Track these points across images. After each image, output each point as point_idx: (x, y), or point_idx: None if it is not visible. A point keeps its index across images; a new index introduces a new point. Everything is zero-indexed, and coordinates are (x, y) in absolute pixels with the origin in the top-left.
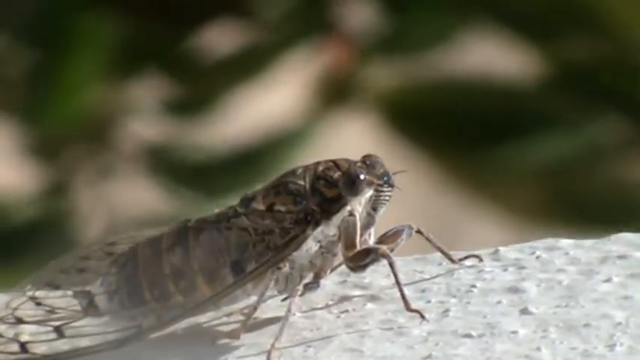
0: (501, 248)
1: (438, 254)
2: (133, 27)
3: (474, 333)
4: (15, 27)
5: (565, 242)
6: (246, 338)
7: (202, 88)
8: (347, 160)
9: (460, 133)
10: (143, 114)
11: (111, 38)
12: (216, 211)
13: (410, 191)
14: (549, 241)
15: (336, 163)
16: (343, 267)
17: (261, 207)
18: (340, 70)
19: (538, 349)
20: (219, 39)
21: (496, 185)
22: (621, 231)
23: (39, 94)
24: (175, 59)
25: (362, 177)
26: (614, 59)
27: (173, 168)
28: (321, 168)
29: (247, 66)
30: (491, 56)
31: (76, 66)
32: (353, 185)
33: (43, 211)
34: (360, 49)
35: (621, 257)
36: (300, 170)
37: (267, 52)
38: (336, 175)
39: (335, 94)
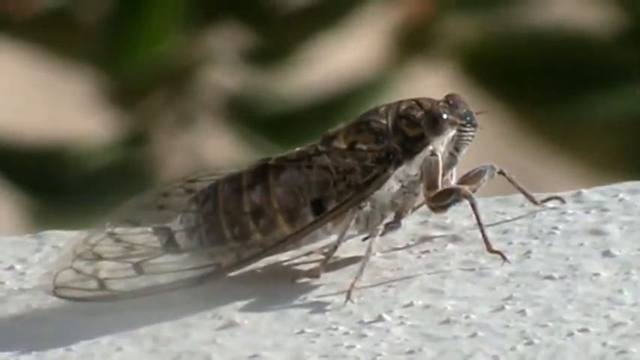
0: (584, 190)
1: (520, 196)
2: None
3: (555, 275)
4: None
5: None
6: (325, 277)
7: (280, 37)
8: (430, 100)
9: (537, 86)
10: (222, 63)
11: None
12: (297, 149)
13: (488, 142)
14: (632, 184)
15: (418, 102)
16: (424, 207)
17: (343, 145)
18: (418, 20)
19: (620, 291)
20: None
21: (572, 137)
22: None
23: (117, 42)
24: (254, 8)
25: (445, 116)
26: None
27: (252, 117)
28: (403, 107)
29: (325, 16)
30: (570, 9)
31: (154, 14)
32: (436, 124)
33: (122, 158)
34: None
35: None
36: (382, 109)
37: (345, 1)
38: (419, 114)
39: (412, 44)
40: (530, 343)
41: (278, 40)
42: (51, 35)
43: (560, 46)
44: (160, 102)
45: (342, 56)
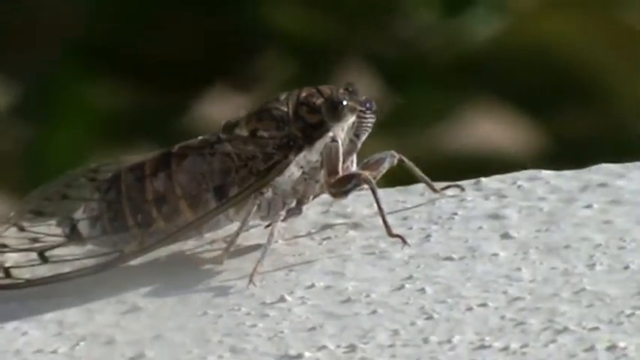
0: (483, 179)
1: (420, 185)
2: (128, 96)
3: (454, 256)
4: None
5: (546, 173)
6: (228, 264)
7: None
8: (330, 87)
9: None
10: None
11: (104, 111)
12: (199, 138)
13: None
14: (531, 172)
15: (318, 90)
16: (326, 197)
17: (244, 133)
18: None
19: (518, 269)
20: (220, 108)
21: None
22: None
23: (33, 169)
24: (173, 133)
25: (344, 102)
26: (609, 130)
27: None
28: (304, 94)
29: None
30: (488, 131)
31: (68, 140)
32: (335, 111)
33: None
34: None
35: (601, 185)
36: (283, 96)
37: None
38: (319, 101)
39: None
40: (429, 318)
41: None
42: None
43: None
44: None
45: None
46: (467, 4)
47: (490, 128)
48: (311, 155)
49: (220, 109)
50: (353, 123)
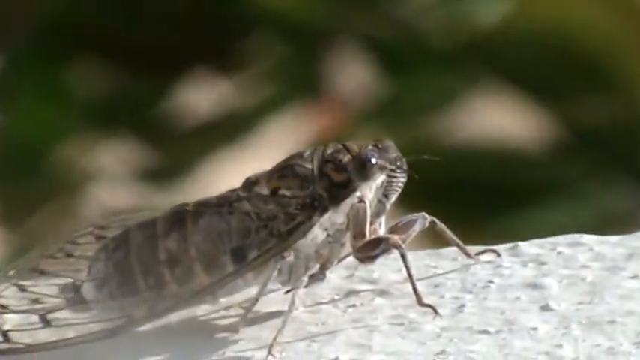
0: (520, 243)
1: (453, 249)
2: (107, 79)
3: (491, 329)
4: None
5: (588, 238)
6: (245, 332)
7: (179, 152)
8: (358, 143)
9: (463, 203)
10: (114, 180)
11: (80, 94)
12: (217, 195)
13: None
14: (572, 237)
15: (346, 146)
16: (350, 260)
17: (265, 191)
18: (331, 136)
19: (559, 345)
20: (202, 94)
21: None
22: None
23: (3, 155)
24: (151, 120)
25: (373, 161)
26: (627, 120)
27: None
28: (330, 151)
29: (228, 129)
30: (496, 119)
31: (41, 124)
32: (363, 169)
33: None
34: (353, 113)
35: None
36: (307, 153)
37: (251, 115)
38: (346, 158)
39: None
40: None
41: (177, 156)
42: None
43: (487, 161)
44: (48, 219)
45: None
46: None
47: (497, 116)
48: (336, 217)
49: (203, 95)
50: (382, 182)
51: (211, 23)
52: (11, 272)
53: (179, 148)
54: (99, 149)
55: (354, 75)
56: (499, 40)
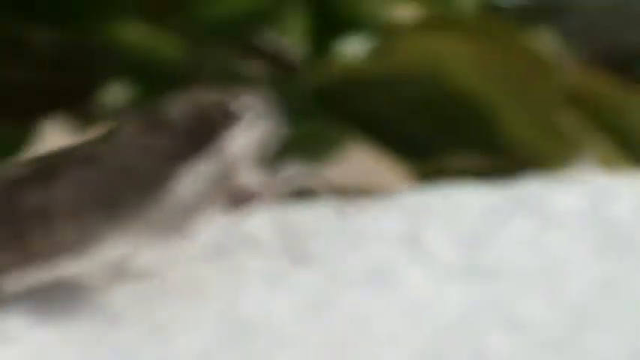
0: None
1: None
2: None
3: None
4: None
5: None
6: None
7: None
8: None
9: None
10: None
11: None
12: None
13: None
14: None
15: None
16: None
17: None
18: None
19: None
20: (58, 139)
21: None
22: None
23: None
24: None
25: None
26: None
27: None
28: None
29: None
30: (361, 171)
31: None
32: None
33: None
34: None
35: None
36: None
37: None
38: None
39: None
40: None
41: None
42: None
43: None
44: None
45: None
46: (336, 26)
47: (362, 168)
48: None
49: (60, 139)
50: None
51: (66, 63)
52: None
53: None
54: None
55: None
56: (364, 83)
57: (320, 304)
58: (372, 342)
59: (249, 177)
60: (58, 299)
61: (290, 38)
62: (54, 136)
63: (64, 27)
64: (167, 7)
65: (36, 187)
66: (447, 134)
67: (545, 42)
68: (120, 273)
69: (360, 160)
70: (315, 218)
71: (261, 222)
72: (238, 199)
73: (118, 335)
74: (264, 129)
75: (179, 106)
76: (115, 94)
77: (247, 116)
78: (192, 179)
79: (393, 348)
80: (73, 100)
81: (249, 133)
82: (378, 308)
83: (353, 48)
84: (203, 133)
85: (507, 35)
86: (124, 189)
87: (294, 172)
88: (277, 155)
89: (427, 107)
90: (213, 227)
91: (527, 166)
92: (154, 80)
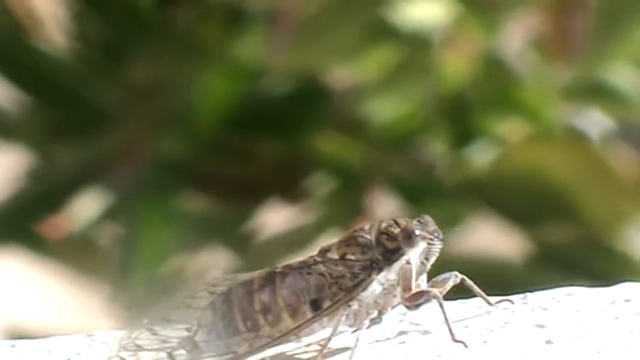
0: (529, 294)
1: (478, 298)
2: (205, 205)
3: (507, 358)
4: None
5: (580, 289)
6: None
7: (259, 258)
8: (405, 219)
9: None
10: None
11: (185, 217)
12: (299, 259)
13: None
14: (568, 289)
15: (396, 221)
16: (401, 308)
17: (335, 256)
18: None
19: None
20: (276, 217)
21: None
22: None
23: (125, 262)
24: (237, 236)
25: (417, 232)
26: (586, 238)
27: None
28: (384, 225)
29: (295, 241)
30: (487, 238)
31: (155, 239)
32: (410, 239)
33: None
34: None
35: (626, 300)
36: (367, 227)
37: (311, 231)
38: (397, 230)
39: None
40: None
41: (255, 262)
42: (76, 255)
43: (478, 270)
44: None
45: None
46: (469, 138)
47: (487, 235)
48: (390, 275)
49: (277, 217)
50: (424, 249)
51: (284, 164)
52: (145, 320)
53: (259, 255)
54: (200, 259)
55: (383, 203)
56: (489, 179)
57: None
58: None
59: (422, 280)
60: None
61: (436, 147)
62: (271, 217)
63: (278, 140)
64: (349, 122)
65: (266, 290)
66: (547, 213)
67: (615, 152)
68: (323, 350)
69: (485, 233)
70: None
71: (430, 314)
72: (415, 297)
73: None
74: (435, 246)
75: (373, 230)
76: (319, 189)
77: (423, 238)
78: (382, 283)
79: None
80: (285, 192)
81: (422, 249)
82: None
83: (478, 154)
84: (392, 250)
85: (581, 144)
86: (327, 291)
87: (451, 277)
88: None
89: (534, 195)
90: (397, 317)
91: (602, 234)
92: (346, 177)
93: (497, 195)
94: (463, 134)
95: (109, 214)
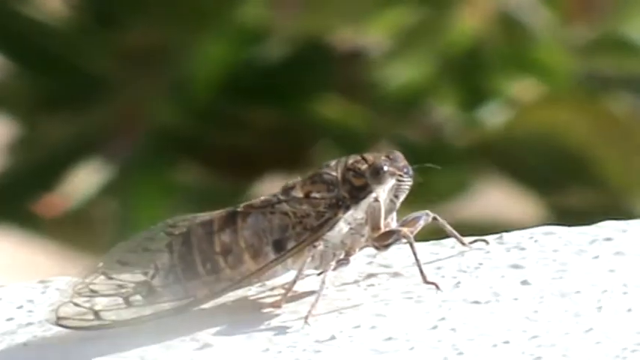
0: (505, 234)
1: (451, 239)
2: (203, 177)
3: (481, 300)
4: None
5: (558, 228)
6: (286, 307)
7: None
8: (373, 154)
9: None
10: None
11: (183, 189)
12: (261, 198)
13: None
14: (546, 228)
15: (363, 157)
16: (369, 248)
17: (300, 194)
18: None
19: (536, 311)
20: (278, 187)
21: None
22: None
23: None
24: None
25: (385, 168)
26: (604, 203)
27: None
28: (350, 161)
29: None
30: (500, 203)
31: (152, 212)
32: (377, 175)
33: None
34: None
35: (607, 239)
36: (333, 163)
37: None
38: (364, 166)
39: None
40: (460, 354)
41: None
42: (72, 231)
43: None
44: None
45: None
46: (479, 99)
47: (500, 201)
48: (357, 213)
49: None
50: (392, 186)
51: (284, 132)
52: (100, 264)
53: None
54: None
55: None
56: (502, 141)
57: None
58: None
59: (391, 219)
60: (240, 314)
61: (445, 109)
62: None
63: (279, 107)
64: (355, 86)
65: (227, 231)
66: (564, 177)
67: (625, 106)
68: (288, 293)
69: (498, 198)
70: (442, 255)
71: (400, 256)
72: (384, 237)
73: (289, 339)
74: (405, 183)
75: (339, 166)
76: (323, 156)
77: (392, 174)
78: (349, 222)
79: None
80: (287, 163)
81: (391, 186)
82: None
83: (490, 116)
84: (358, 186)
85: (598, 103)
86: (291, 231)
87: (422, 215)
88: (427, 197)
89: (550, 158)
90: (366, 259)
91: (621, 198)
92: (348, 144)
93: (510, 158)
94: (475, 95)
95: (105, 189)
